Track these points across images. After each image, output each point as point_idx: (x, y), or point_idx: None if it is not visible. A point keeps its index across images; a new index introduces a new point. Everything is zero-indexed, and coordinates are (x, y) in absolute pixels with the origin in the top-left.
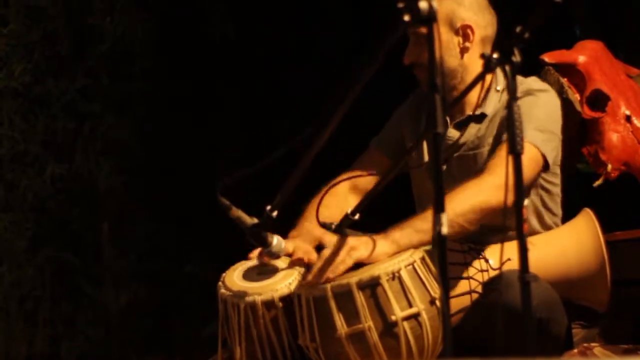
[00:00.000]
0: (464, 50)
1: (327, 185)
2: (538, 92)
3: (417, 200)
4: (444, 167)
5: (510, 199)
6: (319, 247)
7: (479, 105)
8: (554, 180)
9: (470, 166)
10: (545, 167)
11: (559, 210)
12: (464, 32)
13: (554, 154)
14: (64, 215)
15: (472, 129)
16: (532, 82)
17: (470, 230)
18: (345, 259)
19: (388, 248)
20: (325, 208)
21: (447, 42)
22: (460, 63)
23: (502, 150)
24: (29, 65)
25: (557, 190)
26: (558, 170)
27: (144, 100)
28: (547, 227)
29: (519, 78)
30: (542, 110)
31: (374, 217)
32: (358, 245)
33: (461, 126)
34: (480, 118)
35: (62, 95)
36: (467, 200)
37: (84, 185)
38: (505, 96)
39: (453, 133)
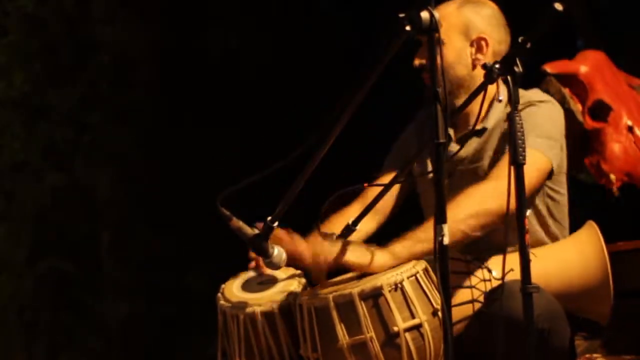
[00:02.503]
0: (476, 62)
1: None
2: (539, 103)
3: (425, 213)
4: (447, 180)
5: (512, 204)
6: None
7: (482, 118)
8: (560, 189)
9: (471, 179)
10: (551, 172)
11: (566, 221)
12: (479, 44)
13: (558, 159)
14: (64, 226)
15: (473, 143)
16: (532, 94)
17: (472, 236)
18: (335, 253)
19: (385, 261)
20: (332, 226)
21: (459, 51)
22: (470, 74)
23: (505, 160)
24: (29, 74)
25: (563, 200)
26: (564, 179)
27: (144, 110)
28: (553, 238)
29: (520, 91)
30: (543, 118)
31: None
32: (355, 251)
33: (463, 140)
34: (481, 132)
35: (62, 105)
36: (467, 206)
37: (84, 195)
38: (508, 107)
39: (455, 147)
